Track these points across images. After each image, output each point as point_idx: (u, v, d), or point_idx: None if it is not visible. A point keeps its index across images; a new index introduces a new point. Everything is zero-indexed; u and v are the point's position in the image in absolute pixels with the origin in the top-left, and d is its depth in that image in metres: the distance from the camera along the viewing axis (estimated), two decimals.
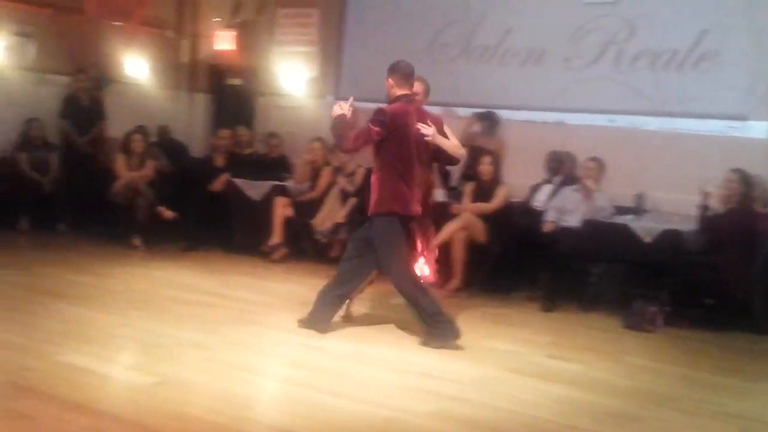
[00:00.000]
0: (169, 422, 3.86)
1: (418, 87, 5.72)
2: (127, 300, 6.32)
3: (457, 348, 5.46)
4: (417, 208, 5.53)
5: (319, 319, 5.69)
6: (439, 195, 7.92)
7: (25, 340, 4.94)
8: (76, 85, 9.71)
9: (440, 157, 5.86)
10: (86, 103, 9.73)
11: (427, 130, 5.52)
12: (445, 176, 8.33)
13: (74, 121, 9.60)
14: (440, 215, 7.54)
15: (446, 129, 5.78)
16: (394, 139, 5.46)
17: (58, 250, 8.34)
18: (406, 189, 5.47)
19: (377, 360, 5.16)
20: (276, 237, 8.47)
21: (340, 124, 5.55)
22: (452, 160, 5.99)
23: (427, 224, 5.76)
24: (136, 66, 10.53)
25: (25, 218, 9.03)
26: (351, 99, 5.69)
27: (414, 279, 5.60)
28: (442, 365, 5.12)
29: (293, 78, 10.31)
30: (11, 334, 5.04)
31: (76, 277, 6.89)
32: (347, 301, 6.02)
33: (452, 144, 5.76)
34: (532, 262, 7.45)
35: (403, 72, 5.57)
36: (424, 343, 5.51)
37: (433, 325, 5.51)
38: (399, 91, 5.57)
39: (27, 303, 5.84)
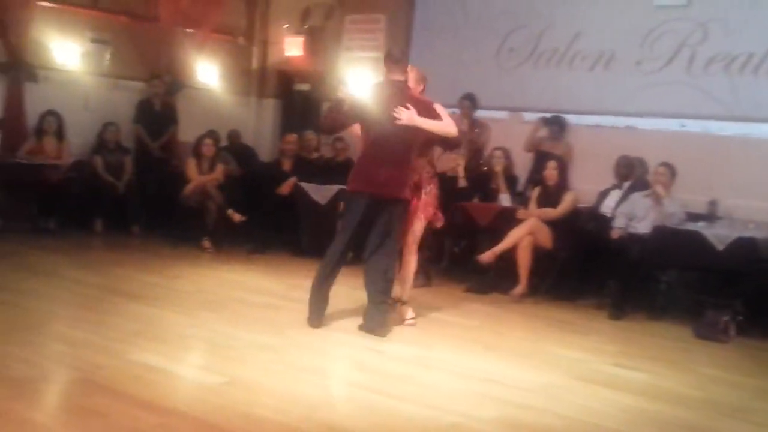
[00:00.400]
0: (236, 422, 3.91)
1: (410, 75, 5.82)
2: (197, 301, 6.44)
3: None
4: (387, 190, 5.57)
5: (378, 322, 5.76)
6: (505, 200, 7.88)
7: (98, 339, 5.07)
8: (149, 90, 9.97)
9: (438, 140, 5.89)
10: (159, 108, 9.98)
11: (402, 114, 5.51)
12: (512, 181, 8.28)
13: (147, 125, 9.85)
14: (506, 221, 7.51)
15: (439, 109, 5.74)
16: (367, 122, 5.62)
17: (131, 251, 8.56)
18: (374, 169, 5.57)
19: (441, 364, 5.15)
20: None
21: (335, 107, 5.76)
22: (449, 142, 6.00)
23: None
24: (208, 72, 10.75)
25: (100, 220, 9.30)
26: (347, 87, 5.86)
27: (339, 255, 5.76)
28: (506, 371, 5.09)
29: (359, 83, 10.34)
30: (85, 333, 5.19)
31: (148, 278, 7.05)
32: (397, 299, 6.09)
33: (435, 124, 5.66)
34: (599, 269, 7.34)
35: (393, 58, 5.70)
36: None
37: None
38: (390, 77, 5.68)
39: (101, 302, 6.00)
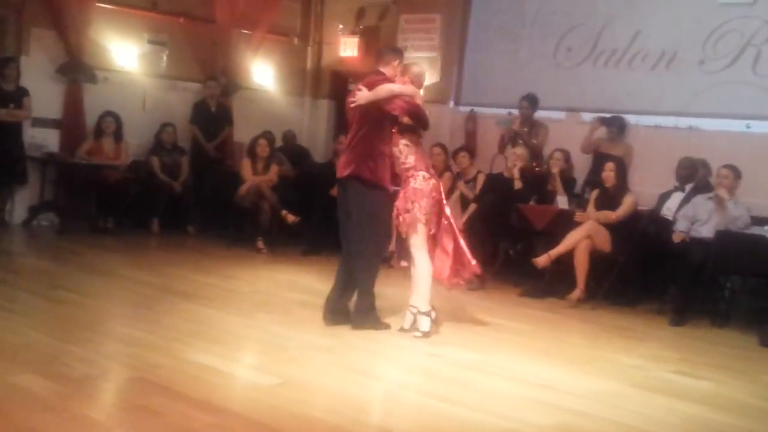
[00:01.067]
0: (290, 423, 3.90)
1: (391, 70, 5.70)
2: (251, 301, 6.47)
3: None
4: (347, 170, 5.58)
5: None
6: (562, 202, 7.75)
7: (155, 338, 5.12)
8: (205, 91, 10.07)
9: (395, 117, 5.61)
10: (215, 109, 10.07)
11: (357, 96, 5.52)
12: (569, 183, 8.15)
13: (203, 126, 9.95)
14: (563, 223, 7.38)
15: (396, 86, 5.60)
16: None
17: (187, 251, 8.66)
18: (342, 156, 5.79)
19: (496, 369, 5.07)
20: (394, 243, 8.47)
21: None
22: (419, 123, 5.69)
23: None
24: (263, 73, 10.83)
25: (157, 220, 9.42)
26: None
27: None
28: (564, 377, 4.99)
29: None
30: (142, 332, 5.25)
31: (204, 278, 7.11)
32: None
33: (379, 89, 5.52)
34: (660, 274, 7.19)
35: (378, 53, 5.93)
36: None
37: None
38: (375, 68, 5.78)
39: (157, 302, 6.06)
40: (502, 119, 8.97)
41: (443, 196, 5.82)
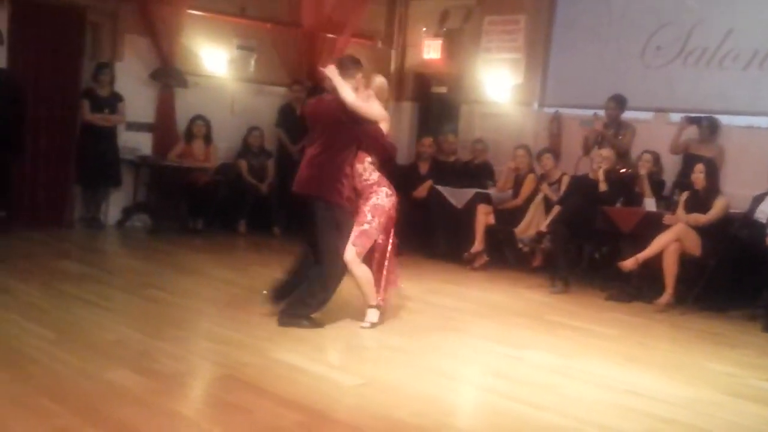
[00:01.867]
0: (374, 423, 3.95)
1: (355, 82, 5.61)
2: (333, 302, 6.48)
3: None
4: (309, 190, 5.57)
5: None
6: (650, 205, 7.58)
7: (243, 337, 5.25)
8: (291, 95, 10.23)
9: (364, 142, 5.60)
10: (300, 112, 10.21)
11: (349, 100, 5.44)
12: (658, 185, 7.96)
13: (289, 129, 10.10)
14: (651, 226, 7.22)
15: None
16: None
17: (273, 252, 8.81)
18: (301, 168, 5.72)
19: (581, 374, 5.01)
20: (478, 244, 8.46)
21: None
22: (379, 151, 5.66)
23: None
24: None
25: (244, 221, 9.63)
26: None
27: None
28: (651, 383, 4.89)
29: (498, 85, 10.27)
30: (231, 331, 5.39)
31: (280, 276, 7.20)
32: None
33: (376, 111, 5.58)
34: (753, 279, 6.94)
35: (339, 64, 5.70)
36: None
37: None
38: None
39: (245, 302, 6.19)
40: (586, 120, 8.81)
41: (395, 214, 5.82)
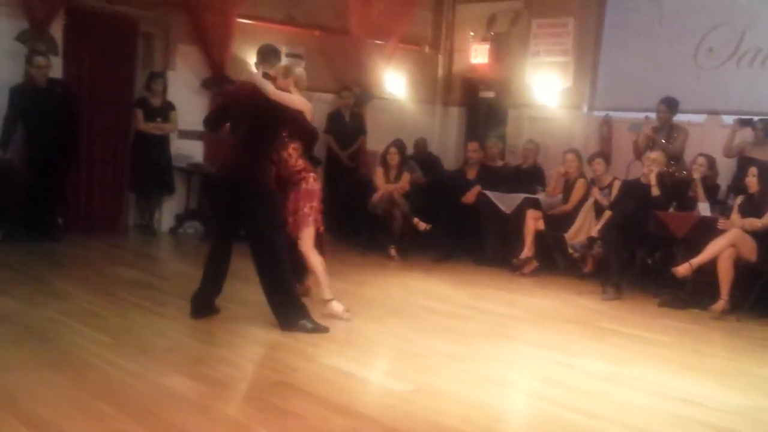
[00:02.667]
0: (424, 429, 3.95)
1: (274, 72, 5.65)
2: (384, 308, 6.57)
3: None
4: (235, 176, 5.56)
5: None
6: (704, 209, 7.44)
7: (293, 342, 5.29)
8: (339, 102, 10.30)
9: (289, 128, 5.74)
10: (348, 118, 10.29)
11: (268, 90, 5.44)
12: (712, 189, 7.81)
13: (337, 135, 10.18)
14: (705, 231, 7.09)
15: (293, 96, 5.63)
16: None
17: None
18: (230, 157, 5.73)
19: (635, 382, 4.94)
20: (527, 250, 8.40)
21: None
22: (302, 132, 5.82)
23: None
24: (395, 82, 10.96)
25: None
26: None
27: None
28: (706, 392, 4.81)
29: (546, 89, 10.20)
30: (282, 336, 5.43)
31: (338, 284, 7.18)
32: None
33: (296, 100, 5.60)
34: None
35: (259, 53, 5.76)
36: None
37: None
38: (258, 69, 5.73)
39: None
40: (635, 123, 8.68)
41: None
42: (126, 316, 5.65)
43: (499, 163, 9.68)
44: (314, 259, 5.95)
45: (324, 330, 5.52)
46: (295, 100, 5.61)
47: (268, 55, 5.74)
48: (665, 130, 8.26)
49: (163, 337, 5.25)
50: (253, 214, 5.53)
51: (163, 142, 9.24)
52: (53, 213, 8.48)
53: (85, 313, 5.65)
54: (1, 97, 7.93)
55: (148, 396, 4.12)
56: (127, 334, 5.22)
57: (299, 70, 6.11)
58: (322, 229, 6.11)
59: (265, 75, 5.66)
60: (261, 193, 5.56)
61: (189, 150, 9.53)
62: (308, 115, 5.72)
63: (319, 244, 6.09)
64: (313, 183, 6.00)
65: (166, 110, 9.19)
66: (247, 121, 5.61)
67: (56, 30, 8.37)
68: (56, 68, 8.33)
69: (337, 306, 5.94)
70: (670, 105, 8.25)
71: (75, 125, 8.45)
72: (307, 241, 5.94)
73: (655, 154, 7.83)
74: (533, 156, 9.45)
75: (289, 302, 5.54)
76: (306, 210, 5.95)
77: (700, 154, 7.81)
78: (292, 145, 5.90)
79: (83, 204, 8.94)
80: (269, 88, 5.48)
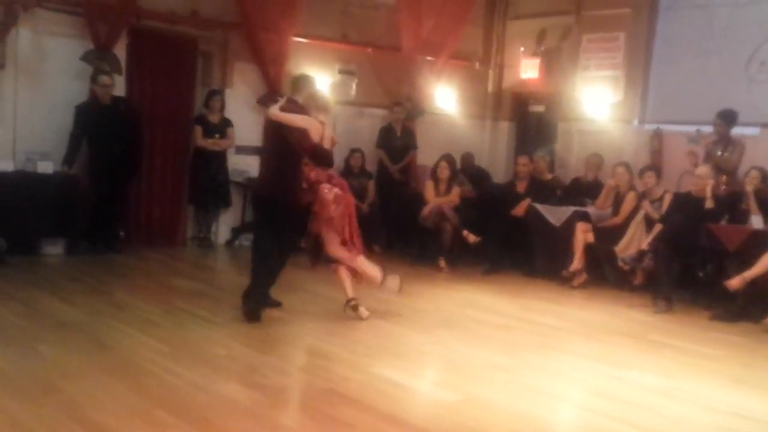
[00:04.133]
0: None
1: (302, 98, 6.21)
2: (433, 319, 6.65)
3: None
4: (272, 194, 6.18)
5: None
6: (757, 222, 7.38)
7: (345, 353, 5.42)
8: (391, 117, 10.45)
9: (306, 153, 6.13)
10: (399, 133, 10.42)
11: (272, 113, 6.10)
12: (765, 202, 7.72)
13: (389, 150, 10.32)
14: (758, 244, 7.03)
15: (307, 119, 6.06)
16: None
17: None
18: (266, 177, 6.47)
19: (686, 395, 4.94)
20: (577, 263, 8.41)
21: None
22: (315, 157, 6.18)
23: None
24: (445, 97, 11.07)
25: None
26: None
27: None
28: (759, 406, 4.80)
29: (596, 103, 10.20)
30: (333, 346, 5.57)
31: (388, 295, 7.36)
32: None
33: (285, 116, 6.03)
34: None
35: (293, 82, 6.52)
36: None
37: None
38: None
39: (346, 318, 6.37)
40: (693, 137, 8.61)
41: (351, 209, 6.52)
42: (183, 325, 5.84)
43: (548, 176, 9.70)
44: (340, 259, 6.40)
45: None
46: (296, 119, 6.05)
47: (298, 83, 6.38)
48: (722, 144, 8.18)
49: (219, 345, 5.40)
50: (275, 225, 6.17)
51: (220, 157, 9.48)
52: (115, 226, 8.77)
53: (144, 322, 5.85)
54: (67, 115, 8.24)
55: (204, 403, 4.26)
56: (184, 342, 5.40)
57: (321, 94, 6.58)
58: (349, 236, 6.47)
59: (292, 101, 6.18)
60: (286, 207, 6.14)
61: (245, 165, 9.75)
62: (313, 133, 6.04)
63: (347, 249, 6.46)
64: (326, 193, 6.31)
65: (223, 127, 9.44)
66: (267, 140, 6.34)
67: (120, 50, 8.67)
68: (119, 87, 8.62)
69: (363, 311, 6.38)
70: (726, 118, 8.16)
71: (137, 141, 8.73)
72: (330, 245, 6.41)
73: (701, 169, 7.79)
74: (595, 170, 9.42)
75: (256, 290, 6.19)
76: (324, 216, 6.31)
77: (754, 167, 7.73)
78: (304, 160, 6.24)
79: (144, 217, 9.23)
80: (271, 110, 6.17)
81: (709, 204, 7.59)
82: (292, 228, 6.38)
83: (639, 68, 9.91)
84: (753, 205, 7.50)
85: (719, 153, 8.15)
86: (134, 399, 4.26)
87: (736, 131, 8.29)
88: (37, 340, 5.20)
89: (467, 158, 10.75)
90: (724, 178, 7.83)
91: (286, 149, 6.07)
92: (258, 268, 6.23)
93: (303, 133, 5.99)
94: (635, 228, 8.21)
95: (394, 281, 6.60)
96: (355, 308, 6.39)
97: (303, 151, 6.10)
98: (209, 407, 4.22)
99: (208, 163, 9.37)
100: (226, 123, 9.46)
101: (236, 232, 9.79)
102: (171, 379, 4.61)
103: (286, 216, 6.19)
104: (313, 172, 6.31)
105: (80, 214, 8.26)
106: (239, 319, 6.04)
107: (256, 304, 6.15)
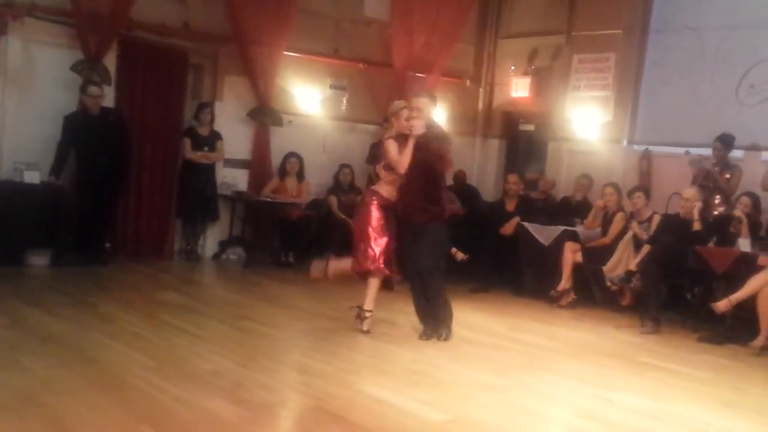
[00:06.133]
0: None
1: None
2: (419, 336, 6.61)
3: None
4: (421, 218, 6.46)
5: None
6: (745, 245, 7.39)
7: (331, 369, 5.37)
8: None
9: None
10: None
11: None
12: (755, 226, 7.75)
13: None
14: (745, 267, 7.05)
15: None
16: None
17: (362, 286, 8.88)
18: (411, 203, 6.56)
19: (674, 418, 4.92)
20: (565, 282, 8.41)
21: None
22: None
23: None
24: (436, 114, 11.03)
25: (333, 255, 9.77)
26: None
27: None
28: (747, 429, 4.79)
29: (586, 123, 10.24)
30: (320, 363, 5.52)
31: (378, 312, 7.27)
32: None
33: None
34: None
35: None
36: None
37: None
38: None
39: (334, 334, 6.35)
40: (695, 160, 8.62)
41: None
42: (169, 340, 5.78)
43: (541, 195, 9.71)
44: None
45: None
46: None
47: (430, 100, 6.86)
48: (720, 168, 8.23)
49: (205, 360, 5.34)
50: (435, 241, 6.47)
51: (209, 170, 9.45)
52: (102, 238, 8.67)
53: (130, 335, 5.78)
54: (56, 125, 8.20)
55: (189, 419, 4.20)
56: (170, 357, 5.34)
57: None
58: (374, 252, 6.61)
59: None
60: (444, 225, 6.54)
61: (234, 178, 9.73)
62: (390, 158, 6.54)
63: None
64: (361, 208, 6.75)
65: (213, 140, 9.41)
66: (423, 166, 6.55)
67: (110, 61, 8.64)
68: (109, 98, 8.59)
69: (365, 325, 6.44)
70: (725, 142, 8.22)
71: (125, 153, 8.68)
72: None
73: (687, 192, 7.82)
74: (585, 190, 9.45)
75: (442, 316, 6.48)
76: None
77: (744, 194, 7.76)
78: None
79: (131, 229, 9.15)
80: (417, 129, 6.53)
81: (696, 226, 7.62)
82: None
83: (629, 89, 9.97)
84: (744, 229, 7.49)
85: (726, 176, 8.17)
86: (118, 413, 4.20)
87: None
88: (20, 353, 5.12)
89: (459, 176, 10.74)
90: (718, 198, 7.85)
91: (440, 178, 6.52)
92: (432, 291, 6.45)
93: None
94: (623, 248, 8.22)
95: (366, 324, 6.48)
96: (361, 318, 6.40)
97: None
98: (194, 423, 4.16)
99: (196, 176, 9.33)
100: (216, 136, 9.43)
101: (224, 245, 9.74)
102: (156, 394, 4.55)
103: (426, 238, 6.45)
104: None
105: (66, 225, 8.20)
106: (226, 334, 5.98)
107: (447, 330, 6.46)
